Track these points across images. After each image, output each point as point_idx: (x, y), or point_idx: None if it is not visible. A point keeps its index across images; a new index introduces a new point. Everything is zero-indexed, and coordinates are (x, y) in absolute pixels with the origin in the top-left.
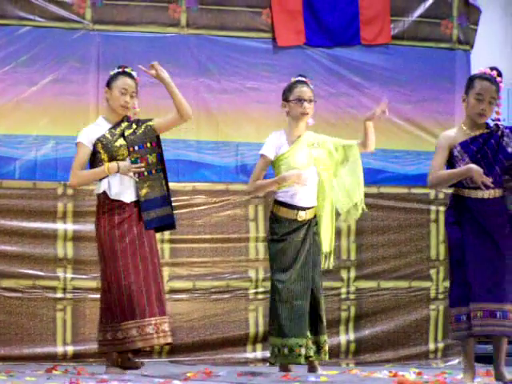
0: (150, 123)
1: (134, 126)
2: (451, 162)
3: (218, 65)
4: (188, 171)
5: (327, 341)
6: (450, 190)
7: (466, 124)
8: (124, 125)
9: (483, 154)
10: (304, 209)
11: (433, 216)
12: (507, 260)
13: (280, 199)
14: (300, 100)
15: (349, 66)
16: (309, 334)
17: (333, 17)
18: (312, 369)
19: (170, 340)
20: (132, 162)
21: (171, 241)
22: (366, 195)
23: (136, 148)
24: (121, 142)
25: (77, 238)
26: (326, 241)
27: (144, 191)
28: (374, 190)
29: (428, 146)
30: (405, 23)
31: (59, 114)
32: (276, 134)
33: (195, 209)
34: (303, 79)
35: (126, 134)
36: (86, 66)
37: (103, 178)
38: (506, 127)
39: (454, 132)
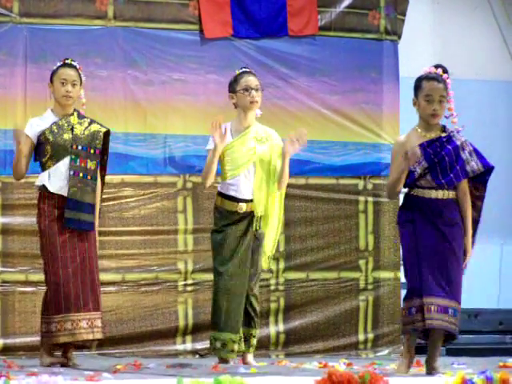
0: (101, 134)
1: (86, 124)
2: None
3: (145, 57)
4: (116, 163)
5: (256, 335)
6: (405, 190)
7: (420, 126)
8: (74, 120)
9: (440, 159)
10: (245, 201)
11: (361, 207)
12: (458, 257)
13: (222, 191)
14: (247, 89)
15: (276, 57)
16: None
17: (260, 8)
18: (245, 361)
19: (100, 336)
20: (71, 160)
21: (100, 233)
22: (294, 186)
23: (79, 147)
24: (67, 136)
25: (5, 231)
26: (269, 243)
27: (73, 190)
28: (301, 181)
29: (355, 137)
30: (332, 14)
31: None
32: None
33: (123, 201)
34: (248, 69)
35: (75, 131)
36: (13, 58)
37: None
38: (471, 143)
39: (406, 136)
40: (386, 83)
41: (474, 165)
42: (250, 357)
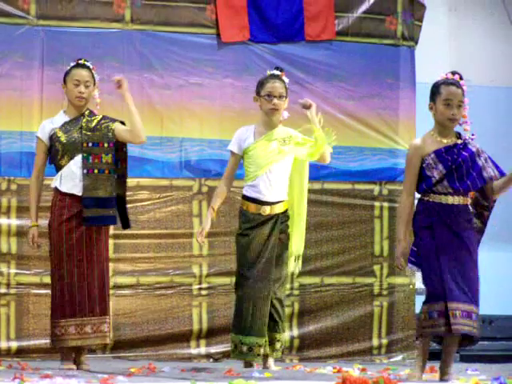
0: (111, 126)
1: (95, 122)
2: (423, 170)
3: (161, 60)
4: (131, 167)
5: (281, 340)
6: (418, 196)
7: (435, 132)
8: (83, 120)
9: (457, 166)
10: (269, 203)
11: (377, 212)
12: (475, 261)
13: (246, 194)
14: (270, 96)
15: (293, 62)
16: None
17: (277, 13)
18: (265, 365)
19: (107, 341)
20: (83, 158)
21: (115, 236)
22: (310, 191)
23: (90, 144)
24: (76, 135)
25: (20, 233)
26: (297, 242)
27: (89, 188)
28: (317, 185)
29: (371, 142)
30: (349, 19)
31: (2, 109)
32: (243, 128)
33: (139, 204)
34: (277, 73)
35: (84, 129)
36: (29, 61)
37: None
38: (484, 151)
39: (422, 140)
40: (403, 89)
41: (490, 171)
42: (270, 361)
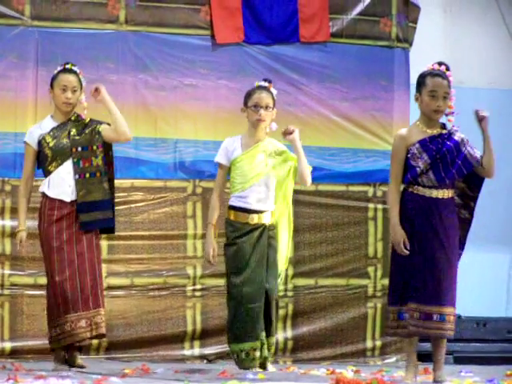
0: (98, 128)
1: (82, 125)
2: (408, 160)
3: (156, 61)
4: (126, 168)
5: (274, 343)
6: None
7: (421, 122)
8: (71, 124)
9: (442, 156)
10: (257, 212)
11: (371, 214)
12: (451, 260)
13: (233, 204)
14: (256, 107)
15: (287, 63)
16: (263, 335)
17: (272, 14)
18: (262, 366)
19: (103, 331)
20: (74, 164)
21: (109, 237)
22: (304, 192)
23: (79, 149)
24: (64, 141)
25: (15, 234)
26: (281, 259)
27: (82, 193)
28: (311, 187)
29: (365, 144)
30: (343, 21)
31: None
32: (230, 139)
33: (133, 205)
34: (265, 85)
35: (72, 134)
36: (24, 61)
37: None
38: (468, 141)
39: (408, 131)
40: (397, 91)
41: (476, 156)
42: (268, 364)
